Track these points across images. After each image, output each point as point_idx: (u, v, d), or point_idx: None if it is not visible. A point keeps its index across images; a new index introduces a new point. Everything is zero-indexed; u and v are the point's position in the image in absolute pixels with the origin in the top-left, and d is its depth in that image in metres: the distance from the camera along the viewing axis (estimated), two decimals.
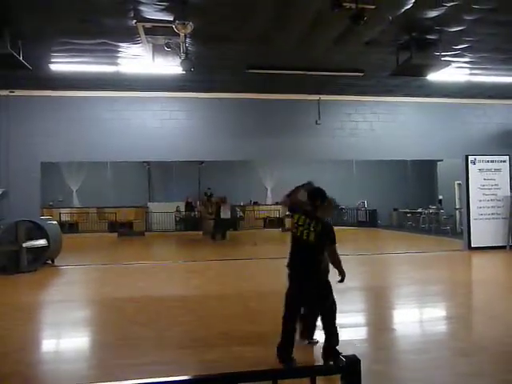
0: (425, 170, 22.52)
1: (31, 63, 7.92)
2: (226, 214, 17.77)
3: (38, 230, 10.18)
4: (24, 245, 9.85)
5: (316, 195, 4.51)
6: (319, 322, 4.61)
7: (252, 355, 4.63)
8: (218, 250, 15.22)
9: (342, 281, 4.44)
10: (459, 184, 15.45)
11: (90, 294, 8.31)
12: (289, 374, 1.60)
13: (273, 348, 4.42)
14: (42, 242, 10.10)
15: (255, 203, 22.97)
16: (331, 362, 4.20)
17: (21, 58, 7.48)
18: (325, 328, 4.46)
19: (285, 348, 4.34)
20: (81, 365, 4.65)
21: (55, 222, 11.90)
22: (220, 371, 1.66)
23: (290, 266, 4.48)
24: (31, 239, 10.00)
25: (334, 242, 4.38)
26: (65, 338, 5.68)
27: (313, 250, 4.35)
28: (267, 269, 10.70)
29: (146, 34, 7.35)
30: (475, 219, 12.58)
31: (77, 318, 6.38)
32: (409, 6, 6.18)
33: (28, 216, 10.19)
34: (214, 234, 17.66)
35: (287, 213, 17.62)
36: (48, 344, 5.62)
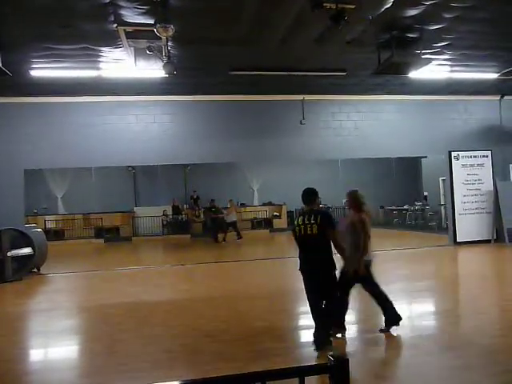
0: (409, 167, 22.74)
1: (11, 69, 7.82)
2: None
3: (23, 238, 10.04)
4: (8, 253, 9.71)
5: (307, 194, 4.86)
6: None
7: (241, 357, 4.62)
8: (205, 253, 15.16)
9: (347, 271, 4.91)
10: (443, 180, 15.64)
11: (77, 301, 8.23)
12: (277, 374, 1.59)
13: (261, 350, 4.41)
14: (27, 250, 9.97)
15: (242, 205, 22.94)
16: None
17: (0, 65, 7.38)
18: (321, 317, 4.69)
19: (319, 333, 4.63)
20: (70, 373, 4.59)
21: (40, 230, 11.75)
22: (209, 375, 1.65)
23: (302, 267, 4.75)
24: (16, 248, 9.86)
25: (334, 227, 4.75)
26: (53, 347, 5.61)
27: (318, 241, 4.62)
28: (255, 271, 10.71)
29: (127, 38, 7.30)
30: (460, 214, 12.73)
31: (64, 327, 6.30)
32: (389, 5, 6.24)
33: (12, 224, 10.04)
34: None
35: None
36: (36, 354, 5.54)
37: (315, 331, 4.67)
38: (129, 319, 6.45)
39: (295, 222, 4.80)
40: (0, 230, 9.79)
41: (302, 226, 4.64)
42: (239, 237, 17.64)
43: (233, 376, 1.57)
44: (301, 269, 4.76)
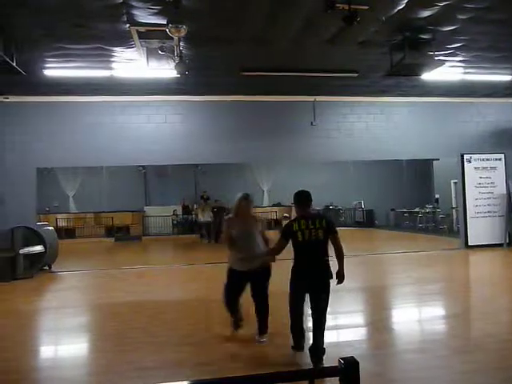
0: (421, 170, 22.56)
1: (25, 69, 7.89)
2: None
3: (35, 236, 10.13)
4: (20, 251, 9.80)
5: (306, 197, 4.62)
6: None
7: (249, 357, 4.61)
8: (214, 253, 15.16)
9: (340, 281, 4.50)
10: (455, 183, 15.50)
11: (88, 299, 8.28)
12: (287, 377, 1.58)
13: (269, 349, 4.40)
14: (39, 248, 10.06)
15: None
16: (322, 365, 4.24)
17: (14, 64, 7.45)
18: (319, 327, 4.44)
19: (299, 341, 4.54)
20: (79, 371, 4.62)
21: (51, 228, 11.86)
22: (217, 375, 1.65)
23: (301, 270, 4.49)
24: (28, 245, 9.96)
25: (337, 231, 4.57)
26: (63, 345, 5.64)
27: (323, 245, 4.47)
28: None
29: (139, 38, 7.34)
30: (472, 217, 12.61)
31: (74, 324, 6.34)
32: (401, 6, 6.21)
33: (24, 222, 10.14)
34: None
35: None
36: (46, 351, 5.59)
37: (313, 343, 4.43)
38: (138, 318, 6.47)
39: (295, 226, 4.44)
40: (12, 227, 9.90)
41: (307, 231, 4.39)
42: (208, 240, 17.24)
43: (243, 377, 1.56)
44: (299, 276, 4.48)
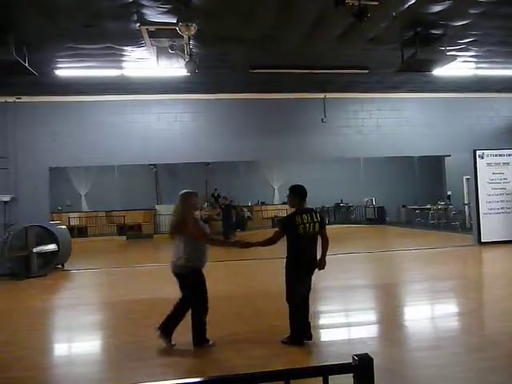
0: (432, 166, 22.40)
1: (37, 69, 7.96)
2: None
3: (48, 235, 10.24)
4: (34, 250, 9.92)
5: (305, 191, 4.93)
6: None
7: (261, 355, 4.62)
8: (224, 251, 15.18)
9: (322, 268, 4.90)
10: (468, 179, 15.37)
11: (100, 297, 8.35)
12: (301, 373, 1.59)
13: (281, 348, 4.40)
14: (52, 246, 10.16)
15: (262, 203, 23.00)
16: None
17: (26, 65, 7.52)
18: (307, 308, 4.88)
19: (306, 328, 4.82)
20: (93, 368, 4.67)
21: (64, 227, 11.96)
22: (231, 372, 1.66)
23: (301, 264, 4.81)
24: (41, 244, 10.07)
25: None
26: (76, 342, 5.71)
27: (317, 238, 4.89)
28: (274, 269, 10.69)
29: (149, 37, 7.36)
30: (485, 214, 12.48)
31: (88, 322, 6.41)
32: (412, 1, 6.16)
33: (37, 221, 10.25)
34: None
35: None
36: (60, 348, 5.66)
37: (307, 321, 4.84)
38: (151, 315, 6.49)
39: (297, 220, 4.74)
40: (26, 226, 10.01)
41: (307, 225, 4.73)
42: None
43: (256, 374, 1.57)
44: (300, 270, 4.82)
